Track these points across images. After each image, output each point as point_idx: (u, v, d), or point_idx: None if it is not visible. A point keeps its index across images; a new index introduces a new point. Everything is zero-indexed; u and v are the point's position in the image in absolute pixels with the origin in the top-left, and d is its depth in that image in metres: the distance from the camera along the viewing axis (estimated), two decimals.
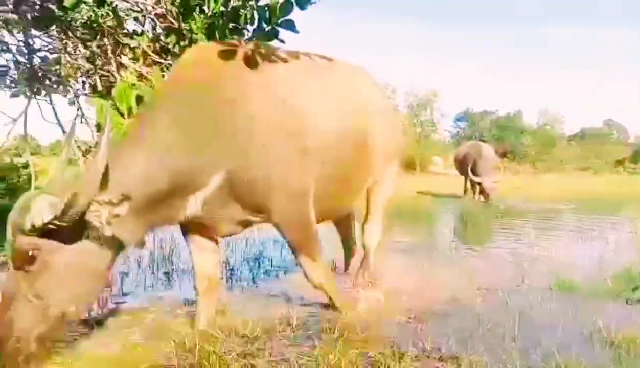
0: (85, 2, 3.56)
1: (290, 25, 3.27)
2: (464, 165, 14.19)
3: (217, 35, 3.37)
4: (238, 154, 2.88)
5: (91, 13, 3.77)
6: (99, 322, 3.37)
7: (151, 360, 2.77)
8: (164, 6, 3.62)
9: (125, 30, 3.98)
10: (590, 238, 7.12)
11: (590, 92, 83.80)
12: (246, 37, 3.54)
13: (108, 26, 3.83)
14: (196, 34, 3.43)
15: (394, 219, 9.30)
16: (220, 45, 3.05)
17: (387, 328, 3.30)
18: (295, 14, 3.24)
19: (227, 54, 2.96)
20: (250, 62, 3.02)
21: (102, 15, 3.77)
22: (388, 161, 4.18)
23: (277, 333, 3.12)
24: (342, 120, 3.44)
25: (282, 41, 3.43)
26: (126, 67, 3.82)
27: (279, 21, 3.26)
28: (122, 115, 3.10)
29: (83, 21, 3.90)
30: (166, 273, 4.90)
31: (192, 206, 2.87)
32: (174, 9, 3.51)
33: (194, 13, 3.42)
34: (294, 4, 3.21)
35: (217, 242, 3.48)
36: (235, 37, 3.41)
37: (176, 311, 3.68)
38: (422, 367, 2.69)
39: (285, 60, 3.24)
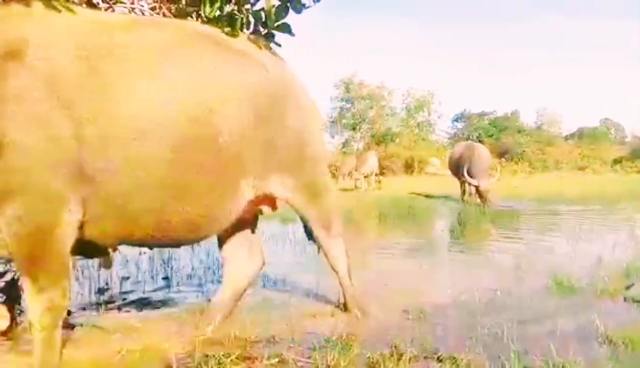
0: None
1: (287, 29, 3.29)
2: (458, 167, 13.86)
3: None
4: None
5: None
6: (97, 327, 3.37)
7: (150, 364, 2.77)
8: (160, 11, 3.63)
9: None
10: (588, 237, 7.13)
11: (588, 91, 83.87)
12: None
13: None
14: None
15: (392, 220, 9.37)
16: None
17: (386, 329, 3.31)
18: (292, 17, 3.27)
19: None
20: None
21: None
22: (286, 171, 3.15)
23: (275, 335, 3.13)
24: (160, 107, 2.53)
25: (278, 45, 3.45)
26: None
27: (275, 25, 3.29)
28: None
29: None
30: (165, 278, 4.91)
31: None
32: (170, 15, 3.52)
33: (190, 17, 3.44)
34: (289, 8, 3.24)
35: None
36: None
37: (175, 315, 3.69)
38: (420, 367, 2.70)
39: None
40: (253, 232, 3.58)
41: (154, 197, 2.57)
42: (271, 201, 3.29)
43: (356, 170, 20.27)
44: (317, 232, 3.45)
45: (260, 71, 2.97)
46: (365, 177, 20.20)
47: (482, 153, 13.82)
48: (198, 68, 2.71)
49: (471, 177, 12.98)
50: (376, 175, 21.40)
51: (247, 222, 3.45)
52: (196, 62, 2.72)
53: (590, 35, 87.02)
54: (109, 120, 2.39)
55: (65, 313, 2.51)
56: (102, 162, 2.38)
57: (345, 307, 3.63)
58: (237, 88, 2.82)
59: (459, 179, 14.02)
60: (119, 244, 2.83)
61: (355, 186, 20.31)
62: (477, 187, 12.92)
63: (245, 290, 3.56)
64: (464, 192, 13.92)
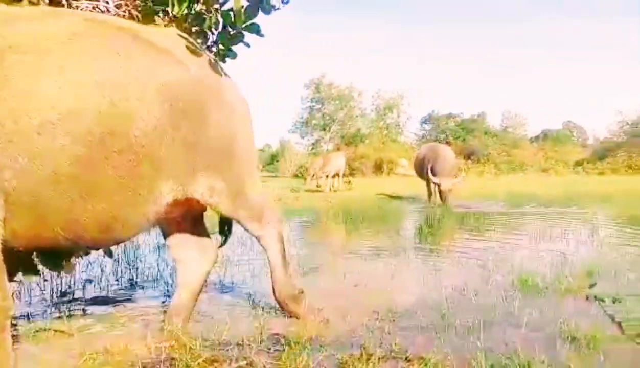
0: None
1: (256, 29, 3.27)
2: (422, 167, 13.91)
3: None
4: None
5: None
6: (59, 331, 3.29)
7: None
8: (126, 9, 3.56)
9: None
10: (552, 237, 7.30)
11: (551, 94, 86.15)
12: (211, 40, 3.53)
13: None
14: None
15: (361, 221, 9.41)
16: None
17: (355, 330, 3.31)
18: (262, 18, 3.25)
19: None
20: None
21: None
22: (212, 172, 3.01)
23: (244, 338, 3.10)
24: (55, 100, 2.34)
25: (247, 45, 3.43)
26: None
27: (243, 25, 3.26)
28: None
29: None
30: (130, 281, 4.82)
31: None
32: (136, 13, 3.46)
33: (157, 16, 3.38)
34: (259, 8, 3.22)
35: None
36: (200, 40, 3.38)
37: (141, 318, 3.63)
38: (389, 367, 2.71)
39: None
40: (201, 227, 3.49)
41: (62, 195, 2.41)
42: (197, 203, 3.11)
43: (320, 171, 20.10)
44: (249, 226, 3.35)
45: (182, 70, 2.83)
46: (333, 177, 20.11)
47: (446, 154, 13.90)
48: (110, 62, 2.55)
49: (435, 176, 13.09)
50: (344, 175, 21.30)
51: (193, 219, 3.38)
52: (109, 56, 2.56)
53: (557, 38, 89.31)
54: (11, 115, 2.24)
55: (9, 314, 2.39)
56: (7, 159, 2.24)
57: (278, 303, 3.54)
58: (154, 85, 2.66)
59: (424, 179, 14.08)
60: (31, 248, 2.66)
61: (317, 186, 20.03)
62: (438, 186, 13.05)
63: (202, 288, 3.50)
64: (430, 193, 13.94)
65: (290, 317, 3.50)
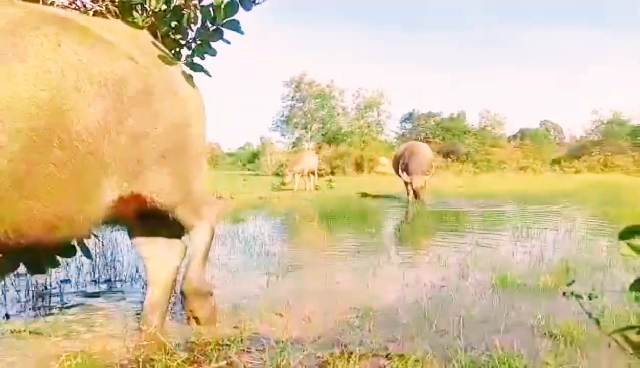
0: None
1: (235, 26, 3.23)
2: (398, 165, 13.91)
3: (158, 35, 3.28)
4: None
5: None
6: (35, 332, 3.22)
7: None
8: (103, 4, 3.50)
9: None
10: (529, 234, 7.40)
11: (529, 94, 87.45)
12: (190, 36, 3.48)
13: None
14: None
15: (341, 219, 9.41)
16: None
17: (335, 328, 3.31)
18: (242, 16, 3.21)
19: None
20: None
21: None
22: (159, 168, 2.88)
23: (224, 338, 3.07)
24: None
25: (227, 42, 3.39)
26: None
27: (223, 21, 3.22)
28: None
29: None
30: (108, 281, 4.75)
31: None
32: (113, 7, 3.40)
33: (135, 11, 3.33)
34: (239, 4, 3.18)
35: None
36: (178, 36, 3.34)
37: (120, 319, 3.57)
38: (370, 365, 2.71)
39: None
40: (165, 221, 3.22)
41: (1, 194, 2.31)
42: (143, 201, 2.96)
43: (290, 169, 20.07)
44: (185, 220, 3.21)
45: (128, 63, 2.70)
46: (307, 176, 20.10)
47: (422, 151, 13.77)
48: (51, 53, 2.42)
49: (409, 174, 13.00)
50: (313, 173, 21.42)
51: (155, 214, 3.13)
52: (49, 47, 2.42)
53: (534, 38, 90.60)
54: None
55: None
56: None
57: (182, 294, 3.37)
58: (97, 78, 2.53)
59: (400, 177, 14.01)
60: None
61: (283, 183, 19.47)
62: (410, 184, 12.97)
63: (174, 283, 3.42)
64: (409, 191, 13.76)
65: (190, 319, 3.34)
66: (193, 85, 3.22)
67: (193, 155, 3.14)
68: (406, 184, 13.59)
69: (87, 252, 3.50)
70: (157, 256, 3.34)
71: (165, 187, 2.95)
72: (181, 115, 3.01)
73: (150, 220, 3.24)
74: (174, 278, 3.40)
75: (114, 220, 3.08)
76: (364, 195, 15.29)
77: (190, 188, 3.16)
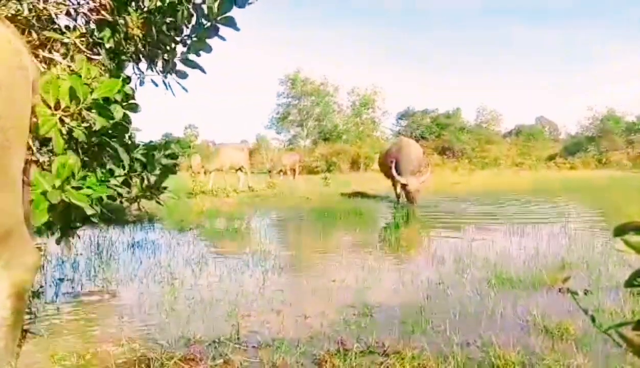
0: None
1: (231, 23, 3.22)
2: (384, 165, 12.53)
3: (153, 31, 3.27)
4: None
5: (18, 7, 3.57)
6: (31, 332, 3.20)
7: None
8: (98, 1, 3.48)
9: (56, 26, 3.79)
10: (525, 231, 7.41)
11: (525, 90, 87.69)
12: (185, 33, 3.47)
13: (37, 21, 3.64)
14: (132, 29, 3.32)
15: (337, 218, 9.41)
16: None
17: (332, 326, 3.31)
18: (238, 13, 3.20)
19: None
20: None
21: (29, 9, 3.57)
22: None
23: (220, 336, 3.07)
24: None
25: (222, 38, 3.38)
26: (56, 64, 3.64)
27: (219, 18, 3.21)
28: (49, 107, 2.91)
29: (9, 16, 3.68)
30: (104, 279, 4.73)
31: None
32: (108, 3, 3.38)
33: (130, 8, 3.31)
34: (233, 1, 3.18)
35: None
36: (173, 33, 3.32)
37: (115, 318, 3.56)
38: (367, 362, 2.71)
39: None
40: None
41: None
42: None
43: (272, 167, 20.64)
44: None
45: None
46: (285, 173, 20.68)
47: (411, 149, 12.30)
48: None
49: (400, 174, 11.61)
50: (293, 170, 22.03)
51: None
52: None
53: (529, 36, 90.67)
54: None
55: None
56: None
57: None
58: None
59: (388, 177, 12.65)
60: None
61: (271, 182, 17.75)
62: (405, 186, 11.55)
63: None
64: (398, 195, 12.47)
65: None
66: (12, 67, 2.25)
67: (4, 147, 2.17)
68: (394, 185, 12.42)
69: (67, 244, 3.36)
70: None
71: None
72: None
73: None
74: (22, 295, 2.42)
75: None
76: (360, 192, 15.22)
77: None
